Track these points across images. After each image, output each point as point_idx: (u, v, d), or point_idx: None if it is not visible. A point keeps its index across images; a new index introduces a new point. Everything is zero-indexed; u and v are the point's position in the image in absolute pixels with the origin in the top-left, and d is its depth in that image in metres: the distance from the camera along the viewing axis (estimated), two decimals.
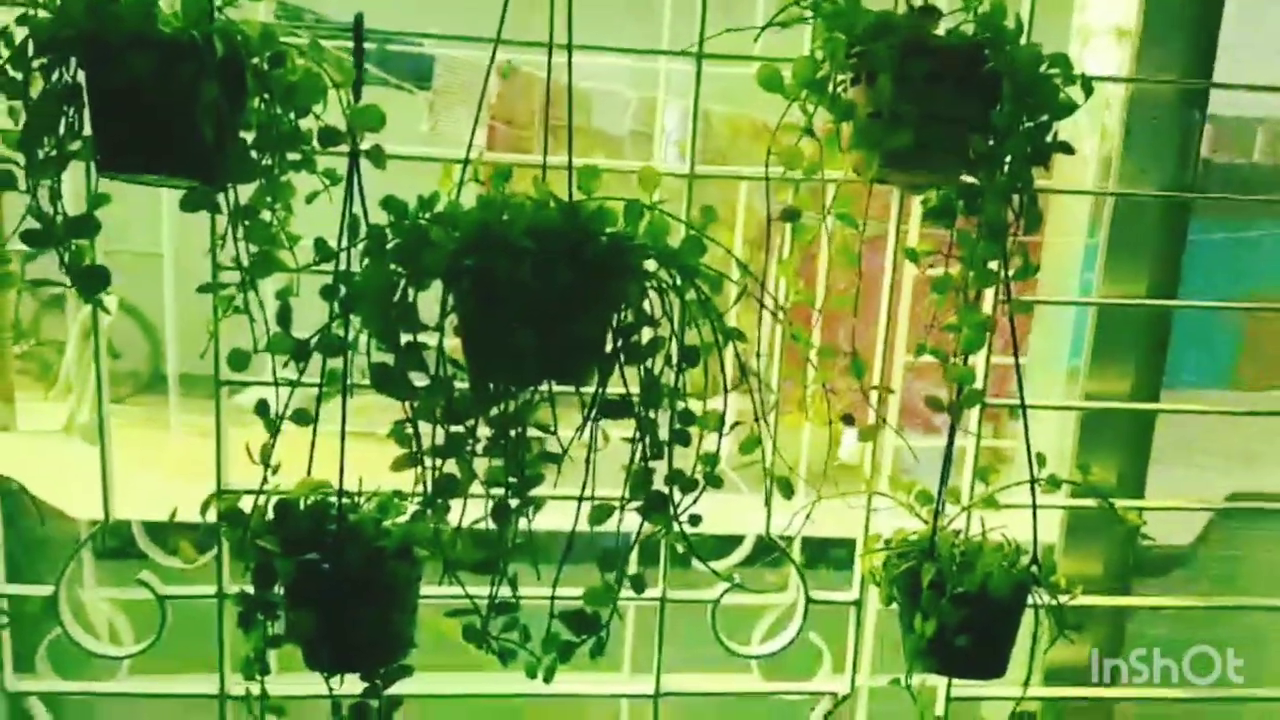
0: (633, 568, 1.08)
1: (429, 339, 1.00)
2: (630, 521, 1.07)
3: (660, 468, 1.05)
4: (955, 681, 1.37)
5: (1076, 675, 1.56)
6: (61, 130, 0.95)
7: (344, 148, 1.03)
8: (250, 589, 1.11)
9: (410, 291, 0.98)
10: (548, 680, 1.06)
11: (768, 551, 1.40)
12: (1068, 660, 1.55)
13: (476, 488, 1.03)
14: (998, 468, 1.29)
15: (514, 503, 1.04)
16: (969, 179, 1.10)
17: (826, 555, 1.74)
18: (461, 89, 4.10)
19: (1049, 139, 1.05)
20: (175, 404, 3.14)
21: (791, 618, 1.42)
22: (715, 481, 1.05)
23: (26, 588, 1.25)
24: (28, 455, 1.23)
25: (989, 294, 1.16)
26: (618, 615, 1.08)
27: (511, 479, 1.03)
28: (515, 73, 3.90)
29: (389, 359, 1.00)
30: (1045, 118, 1.04)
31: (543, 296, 0.95)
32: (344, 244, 1.02)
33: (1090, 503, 1.37)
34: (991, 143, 1.04)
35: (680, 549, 1.07)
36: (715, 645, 1.41)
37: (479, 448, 1.03)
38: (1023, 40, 1.05)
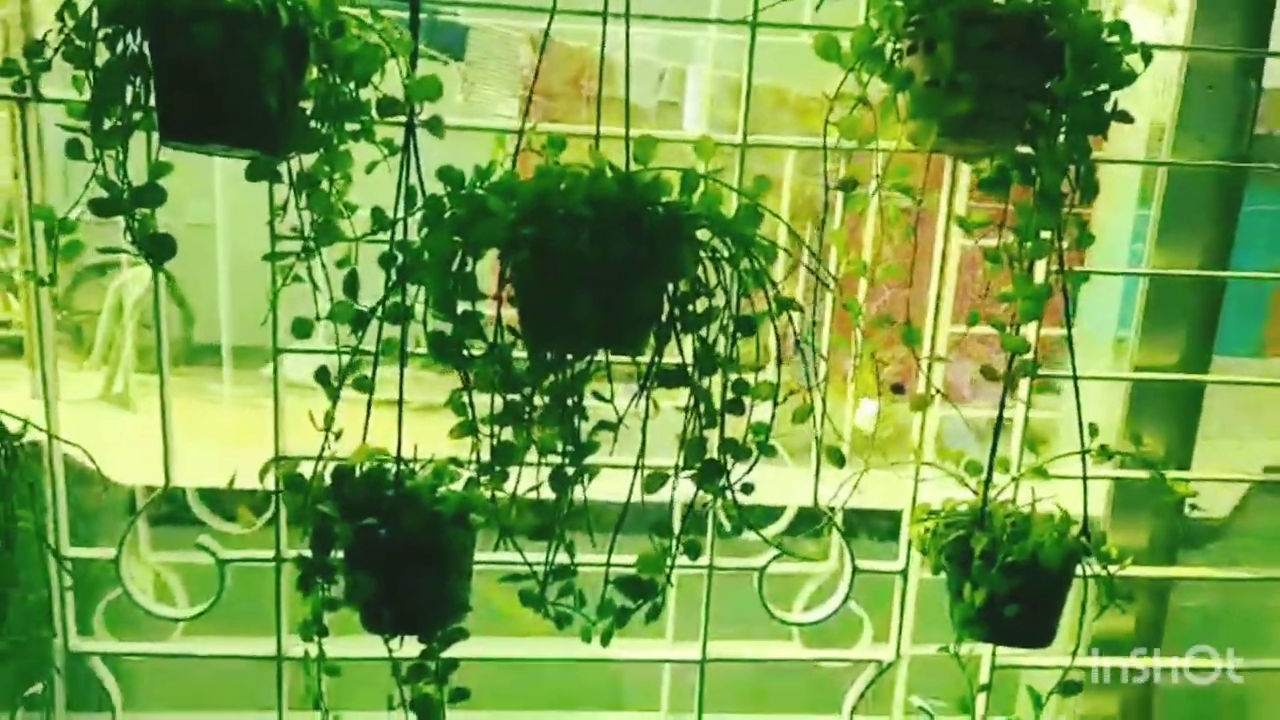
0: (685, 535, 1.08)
1: (486, 308, 1.01)
2: (682, 491, 1.08)
3: (713, 437, 1.06)
4: (1000, 650, 1.38)
5: (1117, 648, 1.57)
6: (127, 100, 0.96)
7: (400, 118, 1.04)
8: (309, 553, 1.14)
9: (468, 261, 0.99)
10: (604, 644, 1.08)
11: (808, 521, 1.41)
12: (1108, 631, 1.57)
13: (532, 456, 1.05)
14: (1042, 439, 1.29)
15: (570, 470, 1.05)
16: (1024, 148, 1.09)
17: (868, 525, 1.75)
18: (494, 60, 4.10)
19: (1108, 108, 1.05)
20: (229, 375, 3.17)
21: (835, 587, 1.43)
22: (768, 451, 1.06)
23: (90, 550, 1.28)
24: (67, 423, 1.25)
25: (1039, 265, 1.15)
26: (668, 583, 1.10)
27: (568, 447, 1.05)
28: (550, 43, 3.90)
29: (447, 328, 1.01)
30: (1105, 86, 1.04)
31: (600, 266, 0.96)
32: (401, 213, 1.03)
33: (1140, 474, 1.38)
34: (1050, 111, 1.04)
35: (731, 518, 1.08)
36: (753, 618, 1.43)
37: (535, 416, 1.04)
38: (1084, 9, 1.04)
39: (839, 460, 1.12)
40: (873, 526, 1.76)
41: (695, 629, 1.39)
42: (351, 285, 1.02)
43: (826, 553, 1.60)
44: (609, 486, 1.11)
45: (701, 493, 1.06)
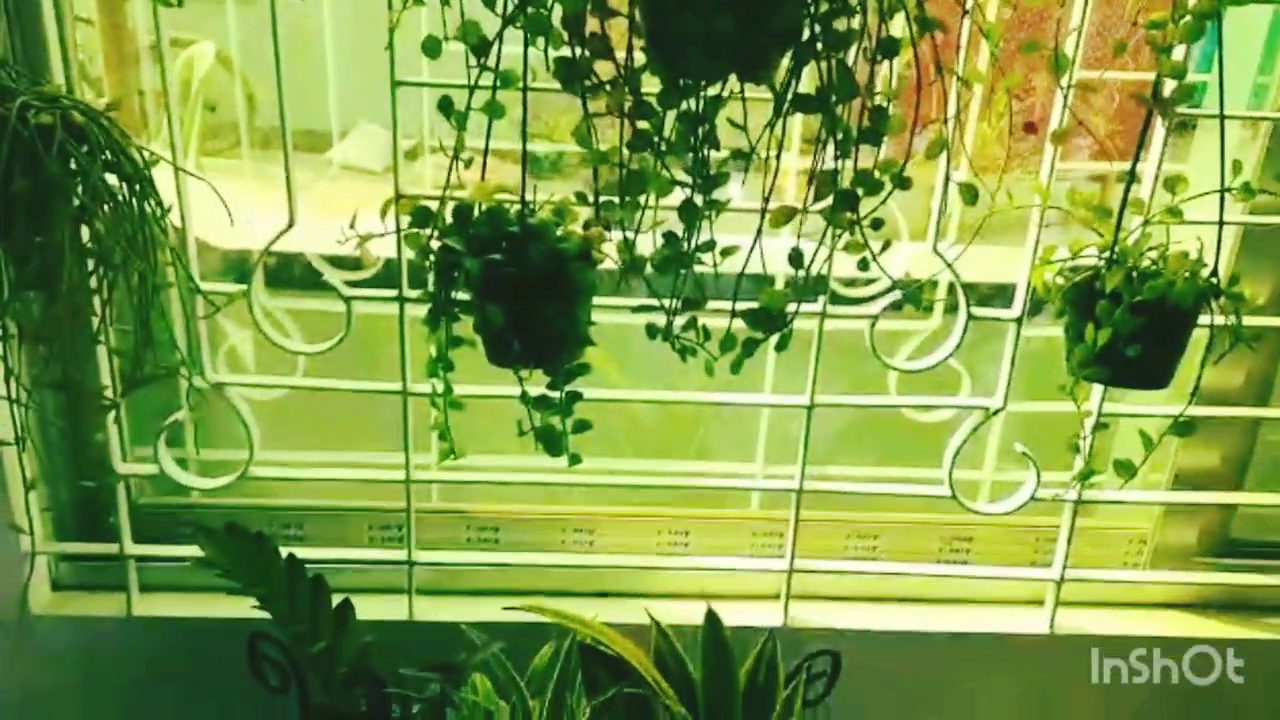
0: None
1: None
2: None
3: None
4: (1107, 401, 1.39)
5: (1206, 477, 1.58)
6: None
7: None
8: (434, 290, 1.16)
9: None
10: (735, 370, 1.10)
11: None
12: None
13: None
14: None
15: (699, 200, 1.04)
16: None
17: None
18: None
19: None
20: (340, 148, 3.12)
21: (936, 345, 1.43)
22: (903, 183, 1.04)
23: (221, 285, 1.31)
24: None
25: None
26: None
27: (698, 178, 1.03)
28: None
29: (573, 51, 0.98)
30: None
31: None
32: None
33: (1274, 220, 1.34)
34: None
35: (859, 250, 1.07)
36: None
37: (665, 145, 1.02)
38: None
39: (971, 197, 1.09)
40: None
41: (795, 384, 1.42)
42: None
43: (930, 310, 1.60)
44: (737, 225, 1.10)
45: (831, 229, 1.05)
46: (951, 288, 1.37)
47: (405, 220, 1.14)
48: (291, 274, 1.63)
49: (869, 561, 1.62)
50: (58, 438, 1.46)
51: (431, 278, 1.16)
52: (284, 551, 1.27)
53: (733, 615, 1.34)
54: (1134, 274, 1.15)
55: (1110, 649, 1.56)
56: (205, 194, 1.30)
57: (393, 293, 1.31)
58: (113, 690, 1.52)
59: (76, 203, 1.03)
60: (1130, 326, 1.14)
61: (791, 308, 1.08)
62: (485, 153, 1.11)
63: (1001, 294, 1.43)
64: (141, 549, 1.48)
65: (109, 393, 1.29)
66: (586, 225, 1.13)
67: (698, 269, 1.08)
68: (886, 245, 1.07)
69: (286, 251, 1.50)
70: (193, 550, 1.23)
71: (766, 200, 1.03)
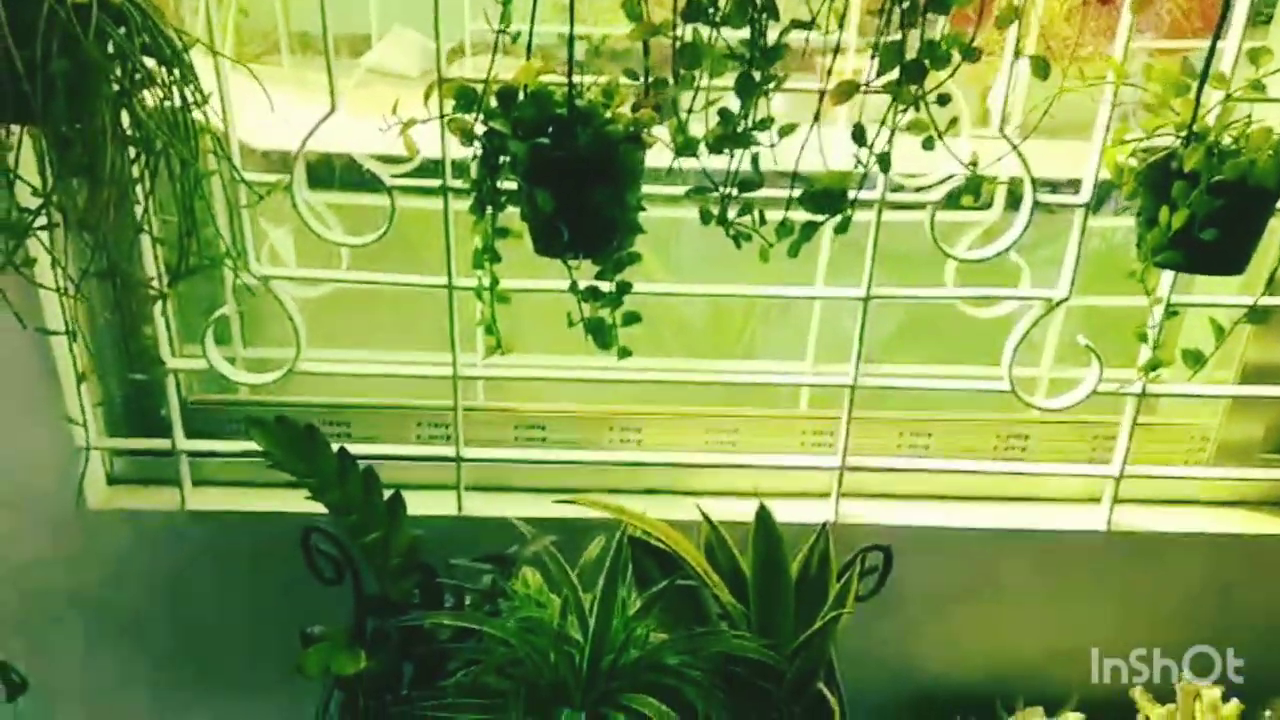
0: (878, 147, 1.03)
1: None
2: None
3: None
4: (1176, 291, 1.34)
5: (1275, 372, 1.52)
6: None
7: None
8: (479, 177, 1.13)
9: None
10: (793, 254, 1.06)
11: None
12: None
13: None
14: None
15: (756, 75, 0.99)
16: None
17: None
18: None
19: None
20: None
21: (995, 238, 1.38)
22: (972, 54, 0.98)
23: (265, 175, 1.29)
24: None
25: None
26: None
27: (755, 51, 0.98)
28: None
29: None
30: None
31: None
32: None
33: None
34: None
35: (924, 128, 1.02)
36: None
37: (720, 15, 0.97)
38: None
39: (1043, 71, 1.03)
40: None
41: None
42: None
43: (990, 202, 1.54)
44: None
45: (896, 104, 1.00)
46: (1012, 181, 1.32)
47: (449, 106, 1.10)
48: (331, 174, 1.60)
49: (923, 458, 1.59)
50: (106, 331, 1.46)
51: (475, 165, 1.13)
52: (334, 445, 1.27)
53: (783, 513, 1.32)
54: (1214, 153, 1.09)
55: (1169, 547, 1.53)
56: (242, 95, 1.27)
57: (436, 183, 1.28)
58: (168, 582, 1.55)
59: (116, 87, 1.00)
60: (1208, 208, 1.08)
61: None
62: (530, 32, 1.06)
63: (1063, 190, 1.37)
64: (193, 444, 1.48)
65: (156, 283, 1.28)
66: (635, 106, 1.09)
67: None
68: (954, 122, 1.02)
69: (325, 151, 1.48)
70: (244, 445, 1.23)
71: (829, 73, 0.98)
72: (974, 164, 1.07)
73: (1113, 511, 1.52)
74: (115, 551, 1.52)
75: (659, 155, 1.12)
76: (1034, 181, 1.28)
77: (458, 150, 1.21)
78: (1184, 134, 1.10)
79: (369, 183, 1.46)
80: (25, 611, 1.53)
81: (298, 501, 1.30)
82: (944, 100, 1.01)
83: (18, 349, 1.32)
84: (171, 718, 1.65)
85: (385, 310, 1.78)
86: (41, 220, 1.03)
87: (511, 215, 1.16)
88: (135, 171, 1.06)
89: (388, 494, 1.30)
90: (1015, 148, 1.21)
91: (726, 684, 1.22)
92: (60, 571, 1.53)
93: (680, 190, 1.18)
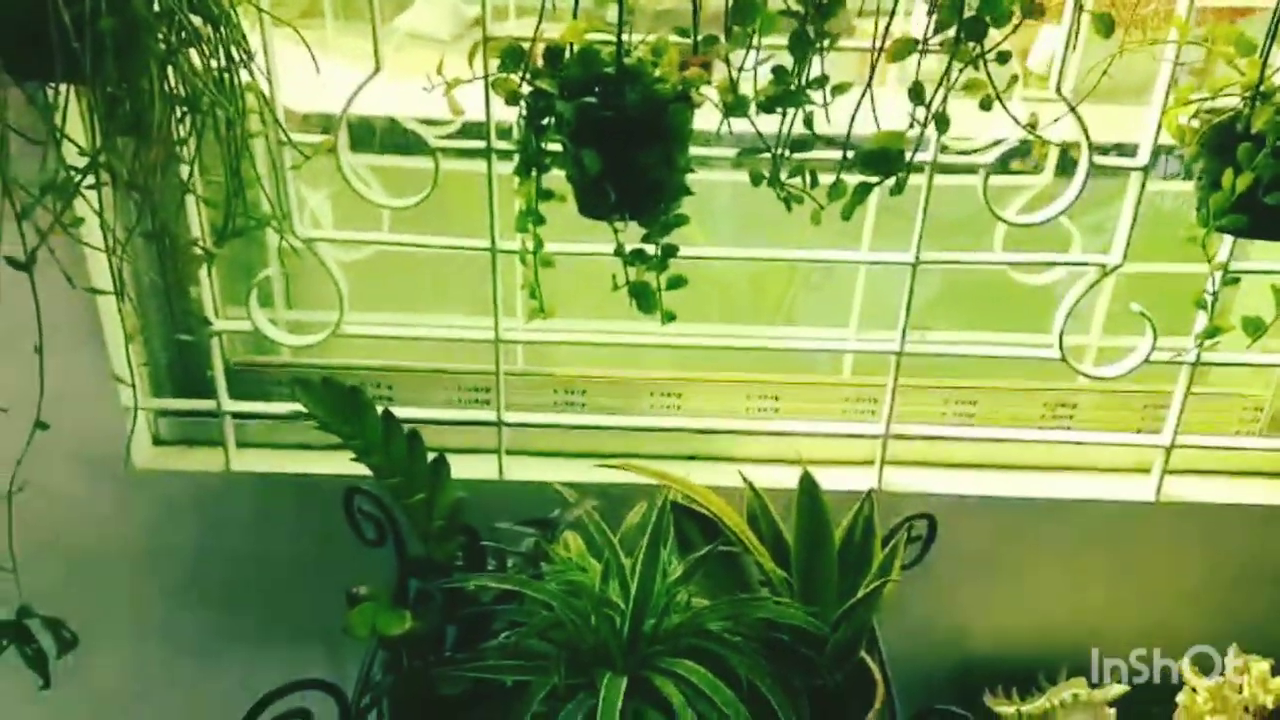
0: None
1: None
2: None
3: None
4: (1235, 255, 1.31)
5: None
6: None
7: None
8: (524, 137, 1.11)
9: None
10: (846, 216, 1.04)
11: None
12: None
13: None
14: None
15: (810, 30, 0.97)
16: None
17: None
18: None
19: None
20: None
21: (1046, 203, 1.35)
22: (1033, 11, 0.95)
23: (308, 136, 1.28)
24: None
25: None
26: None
27: (809, 7, 0.96)
28: None
29: None
30: None
31: None
32: None
33: None
34: None
35: (980, 88, 1.00)
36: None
37: None
38: None
39: (1107, 29, 1.00)
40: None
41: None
42: None
43: (1042, 166, 1.51)
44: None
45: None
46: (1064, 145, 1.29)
47: (493, 67, 1.09)
48: (371, 137, 1.60)
49: (968, 426, 1.57)
50: (151, 293, 1.47)
51: (518, 125, 1.12)
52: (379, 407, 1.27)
53: (825, 480, 1.31)
54: None
55: (1218, 518, 1.51)
56: (283, 59, 1.26)
57: (480, 144, 1.27)
58: (213, 543, 1.57)
59: (163, 45, 1.00)
60: (1274, 171, 1.05)
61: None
62: None
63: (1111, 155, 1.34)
64: (238, 405, 1.49)
65: (201, 245, 1.28)
66: (684, 65, 1.07)
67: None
68: (1014, 80, 0.99)
69: (365, 114, 1.47)
70: (288, 407, 1.24)
71: (888, 29, 0.95)
72: (1033, 125, 1.04)
73: (1162, 482, 1.50)
74: (161, 511, 1.53)
75: (702, 118, 1.10)
76: (1090, 143, 1.24)
77: (501, 112, 1.21)
78: (1250, 94, 1.07)
79: (408, 146, 1.45)
80: (73, 569, 1.55)
81: (340, 464, 1.31)
82: (1004, 58, 0.99)
83: (66, 309, 1.33)
84: (214, 673, 1.67)
85: (423, 275, 1.78)
86: (89, 180, 1.03)
87: (556, 178, 1.15)
88: (182, 131, 1.06)
89: (431, 457, 1.30)
90: (1073, 109, 1.18)
91: (768, 650, 1.21)
92: (107, 530, 1.55)
93: (721, 153, 1.17)
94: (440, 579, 1.26)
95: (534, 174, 1.15)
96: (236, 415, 1.51)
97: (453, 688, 1.19)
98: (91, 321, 1.36)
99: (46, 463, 1.16)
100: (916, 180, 1.28)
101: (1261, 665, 1.43)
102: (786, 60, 1.02)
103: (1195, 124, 1.14)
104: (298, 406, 1.23)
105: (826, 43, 0.98)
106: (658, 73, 1.07)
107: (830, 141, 1.03)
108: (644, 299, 1.18)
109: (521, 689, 1.12)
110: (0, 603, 1.24)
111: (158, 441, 1.56)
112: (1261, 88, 1.07)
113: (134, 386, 1.31)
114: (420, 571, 1.32)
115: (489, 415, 1.49)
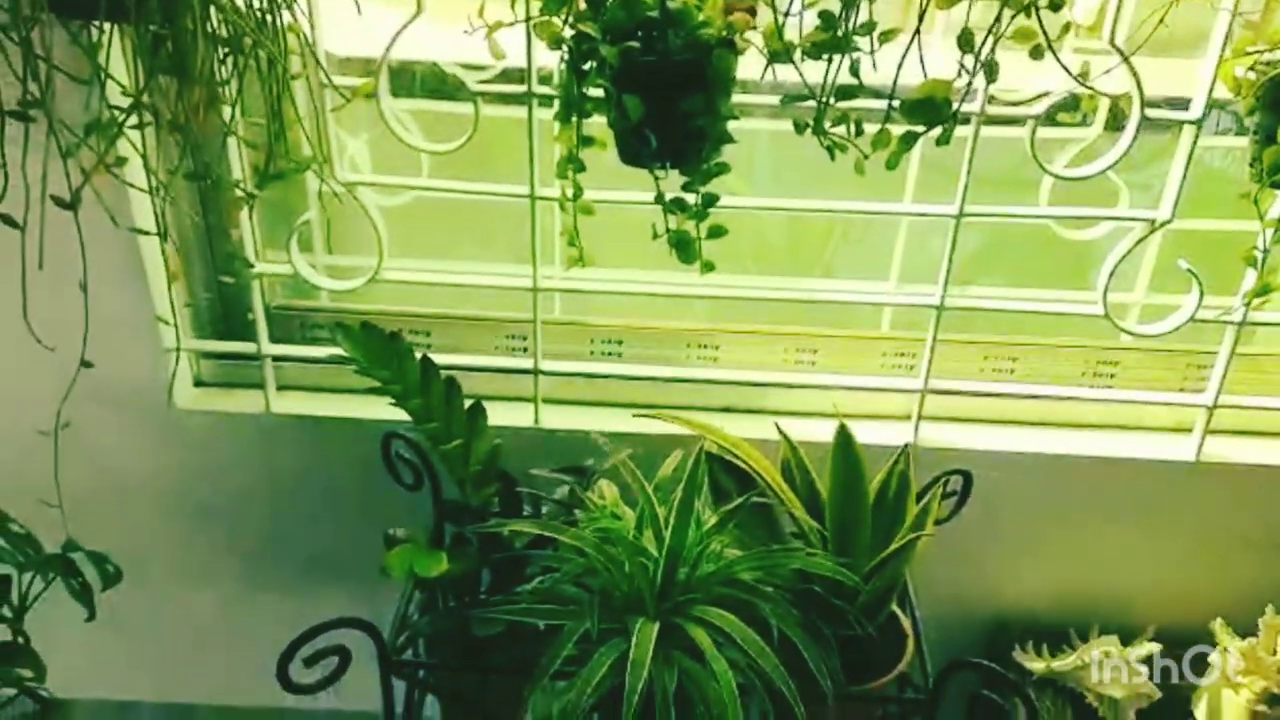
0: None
1: None
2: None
3: None
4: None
5: None
6: None
7: None
8: (566, 82, 1.10)
9: None
10: (891, 166, 1.03)
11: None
12: None
13: None
14: None
15: None
16: None
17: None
18: None
19: None
20: None
21: (1093, 157, 1.32)
22: None
23: (349, 79, 1.28)
24: None
25: None
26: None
27: None
28: None
29: None
30: None
31: None
32: None
33: None
34: None
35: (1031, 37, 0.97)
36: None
37: None
38: None
39: None
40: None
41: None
42: None
43: (1090, 119, 1.47)
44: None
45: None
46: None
47: (535, 10, 1.08)
48: (410, 81, 1.59)
49: (1009, 383, 1.55)
50: (194, 234, 1.48)
51: (560, 70, 1.11)
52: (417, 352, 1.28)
53: (861, 434, 1.30)
54: None
55: (1260, 480, 1.49)
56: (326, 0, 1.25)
57: (521, 88, 1.26)
58: (252, 483, 1.59)
59: None
60: None
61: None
62: None
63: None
64: (278, 349, 1.51)
65: (243, 186, 1.29)
66: (729, 10, 1.06)
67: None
68: (1066, 29, 0.97)
69: (404, 59, 1.46)
70: (328, 351, 1.24)
71: None
72: (1084, 75, 1.02)
73: (1204, 442, 1.48)
74: (203, 452, 1.56)
75: (742, 65, 1.09)
76: (1143, 93, 1.21)
77: (543, 57, 1.19)
78: None
79: (447, 91, 1.44)
80: (117, 507, 1.58)
81: (378, 408, 1.32)
82: (1056, 5, 0.96)
83: (109, 250, 1.35)
84: (252, 610, 1.70)
85: (461, 222, 1.78)
86: (132, 120, 1.04)
87: (597, 124, 1.14)
88: (224, 72, 1.06)
89: (468, 403, 1.31)
90: (1126, 59, 1.15)
91: (800, 601, 1.22)
92: (150, 469, 1.57)
93: (760, 100, 1.15)
94: (476, 523, 1.27)
95: (575, 120, 1.14)
96: (276, 359, 1.52)
97: (487, 629, 1.20)
98: (134, 262, 1.37)
99: (90, 402, 1.18)
100: (962, 132, 1.26)
101: None
102: (833, 5, 1.01)
103: (1252, 76, 1.10)
104: (337, 350, 1.24)
105: None
106: (702, 17, 1.06)
107: (875, 93, 1.02)
108: (684, 248, 1.18)
109: (554, 632, 1.14)
110: (47, 537, 1.27)
111: (199, 383, 1.58)
112: None
113: (176, 327, 1.32)
114: (456, 516, 1.34)
115: (526, 363, 1.50)
